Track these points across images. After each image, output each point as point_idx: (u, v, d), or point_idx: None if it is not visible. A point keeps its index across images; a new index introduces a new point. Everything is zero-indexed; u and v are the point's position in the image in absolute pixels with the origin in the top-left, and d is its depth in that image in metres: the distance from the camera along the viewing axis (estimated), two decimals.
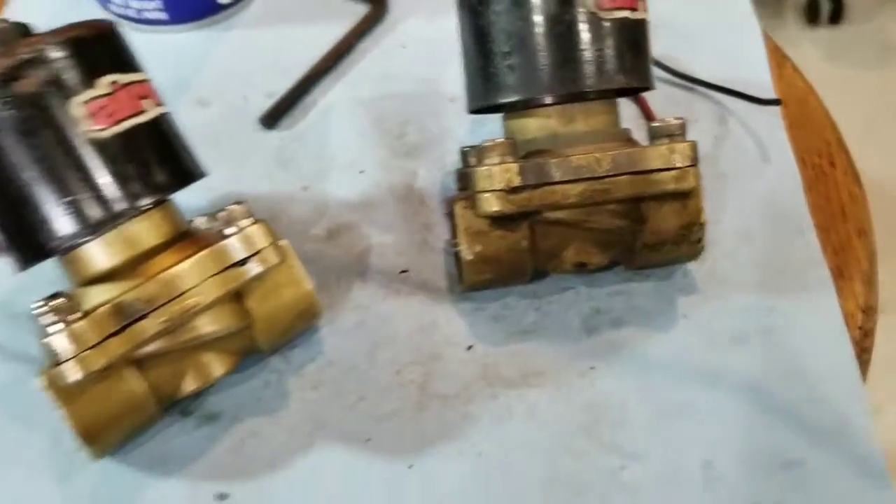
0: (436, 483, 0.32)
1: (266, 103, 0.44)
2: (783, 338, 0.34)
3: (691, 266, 0.37)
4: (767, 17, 1.55)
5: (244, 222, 0.31)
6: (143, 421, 0.32)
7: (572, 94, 0.33)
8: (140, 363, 0.31)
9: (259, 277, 0.31)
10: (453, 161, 0.41)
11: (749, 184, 0.40)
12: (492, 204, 0.32)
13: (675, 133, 0.33)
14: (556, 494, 0.31)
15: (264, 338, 0.33)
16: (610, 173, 0.32)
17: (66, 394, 0.29)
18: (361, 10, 0.49)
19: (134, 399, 0.31)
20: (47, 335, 0.28)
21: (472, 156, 0.36)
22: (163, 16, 0.48)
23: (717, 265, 0.37)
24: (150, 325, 0.29)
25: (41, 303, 0.29)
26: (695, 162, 0.32)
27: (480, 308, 0.36)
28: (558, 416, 0.33)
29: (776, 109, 0.42)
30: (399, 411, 0.33)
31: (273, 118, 0.44)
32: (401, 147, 0.42)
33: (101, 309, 0.29)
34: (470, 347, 0.35)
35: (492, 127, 0.37)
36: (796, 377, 0.33)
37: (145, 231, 0.31)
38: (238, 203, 0.31)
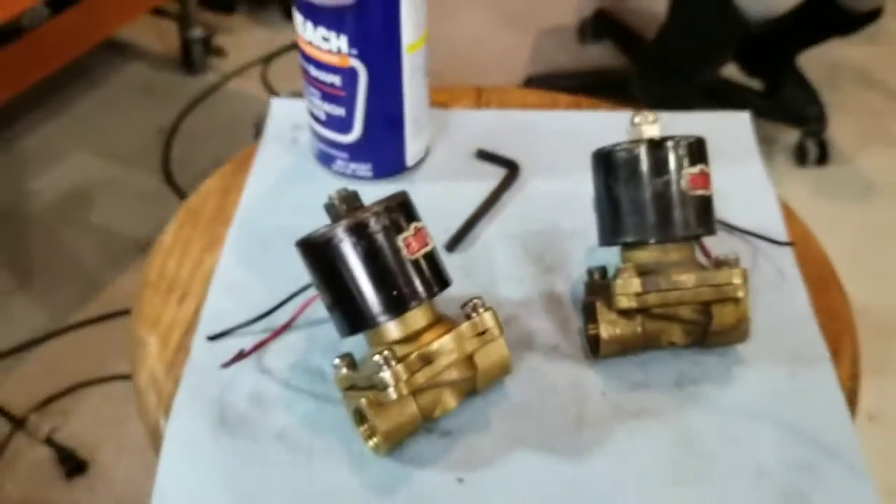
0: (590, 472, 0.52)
1: (443, 235, 0.66)
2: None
3: (739, 347, 0.58)
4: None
5: (481, 310, 0.52)
6: (411, 432, 0.52)
7: (669, 238, 0.55)
8: (414, 395, 0.51)
9: (490, 345, 0.52)
10: (578, 276, 0.62)
11: (770, 296, 0.61)
12: (625, 302, 0.53)
13: (732, 262, 0.54)
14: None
15: (481, 384, 0.54)
16: (695, 286, 0.54)
17: (379, 409, 0.50)
18: (501, 172, 0.72)
19: (412, 416, 0.51)
20: (381, 371, 0.49)
21: (594, 272, 0.58)
22: (369, 174, 0.70)
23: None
24: (430, 370, 0.50)
25: (378, 356, 0.49)
26: (745, 280, 0.54)
27: (608, 370, 0.57)
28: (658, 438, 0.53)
29: (789, 249, 0.64)
30: (565, 432, 0.54)
31: (454, 244, 0.65)
32: (542, 266, 0.64)
33: (411, 357, 0.49)
34: (604, 394, 0.56)
35: (600, 255, 0.59)
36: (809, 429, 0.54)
37: (421, 315, 0.52)
38: (476, 298, 0.52)
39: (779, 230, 0.66)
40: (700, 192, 0.54)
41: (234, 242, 0.66)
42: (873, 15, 1.59)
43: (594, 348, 0.57)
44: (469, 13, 2.18)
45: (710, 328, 0.55)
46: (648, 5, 1.96)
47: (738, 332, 0.55)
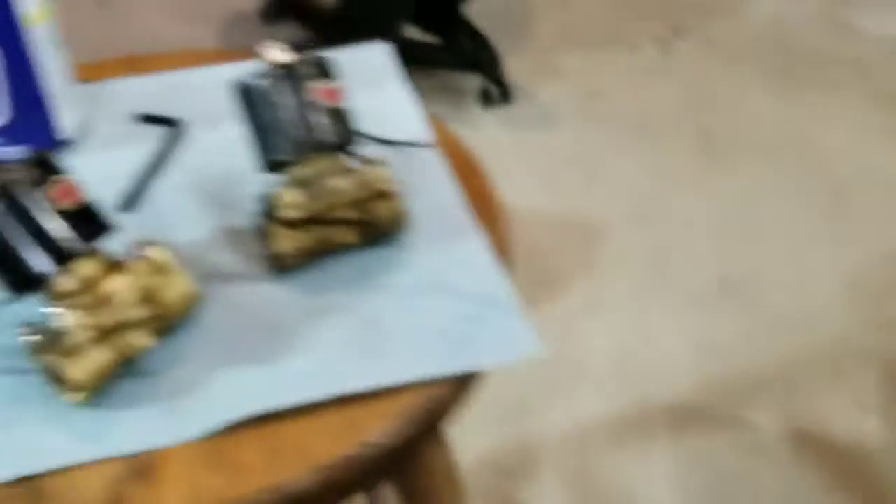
0: None
1: (119, 199, 0.67)
2: None
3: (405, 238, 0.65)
4: (451, 103, 1.95)
5: (148, 248, 0.55)
6: (109, 375, 0.53)
7: (311, 149, 0.60)
8: (104, 338, 0.52)
9: (169, 279, 0.55)
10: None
11: (424, 191, 0.68)
12: (291, 213, 0.59)
13: (379, 162, 0.61)
14: None
15: (172, 318, 0.56)
16: (351, 187, 0.60)
17: (68, 359, 0.51)
18: (166, 132, 0.74)
19: (103, 359, 0.53)
20: (61, 320, 0.50)
21: (268, 197, 0.63)
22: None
23: None
24: (113, 310, 0.52)
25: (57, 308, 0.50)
26: (391, 176, 0.60)
27: (296, 283, 0.62)
28: None
29: (437, 154, 0.72)
30: (259, 344, 0.58)
31: (129, 203, 0.67)
32: (218, 207, 0.67)
33: (88, 300, 0.51)
34: (295, 303, 0.60)
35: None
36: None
37: (91, 264, 0.53)
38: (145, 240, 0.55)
39: (426, 137, 0.74)
40: (331, 104, 0.60)
41: None
42: None
43: (277, 265, 0.62)
44: (144, 14, 2.14)
45: (373, 223, 0.61)
46: None
47: (398, 222, 0.62)
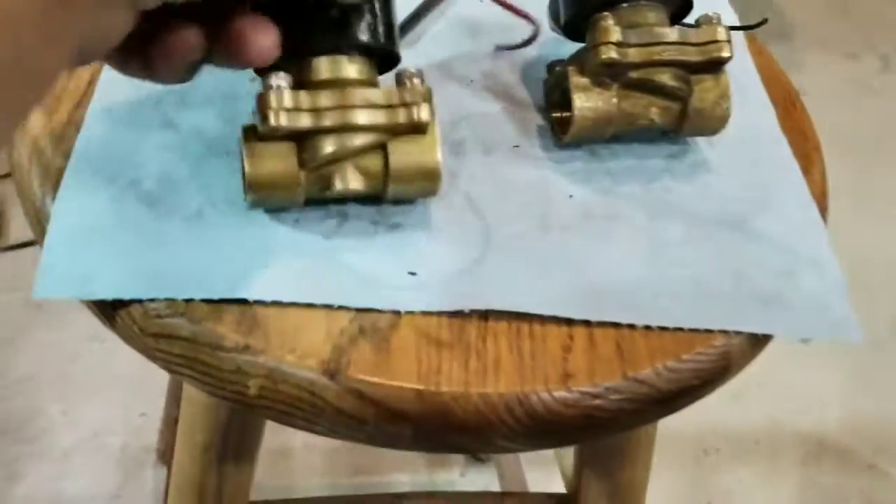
0: None
1: None
2: None
3: (711, 158, 0.54)
4: None
5: (416, 80, 0.43)
6: (290, 188, 0.43)
7: None
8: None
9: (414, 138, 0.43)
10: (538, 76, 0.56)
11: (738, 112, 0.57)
12: (605, 53, 0.47)
13: (715, 20, 0.49)
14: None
15: (395, 180, 0.44)
16: (678, 41, 0.48)
17: (255, 146, 0.42)
18: None
19: (288, 164, 0.43)
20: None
21: (559, 64, 0.52)
22: None
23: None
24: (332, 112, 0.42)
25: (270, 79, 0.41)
26: (730, 39, 0.49)
27: (575, 174, 0.52)
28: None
29: (755, 74, 0.60)
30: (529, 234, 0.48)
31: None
32: (497, 67, 0.57)
33: (308, 92, 0.42)
34: (571, 196, 0.50)
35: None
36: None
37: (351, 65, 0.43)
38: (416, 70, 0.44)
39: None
40: None
41: None
42: None
43: (563, 131, 0.52)
44: None
45: (690, 104, 0.50)
46: None
47: (718, 113, 0.50)
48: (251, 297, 0.42)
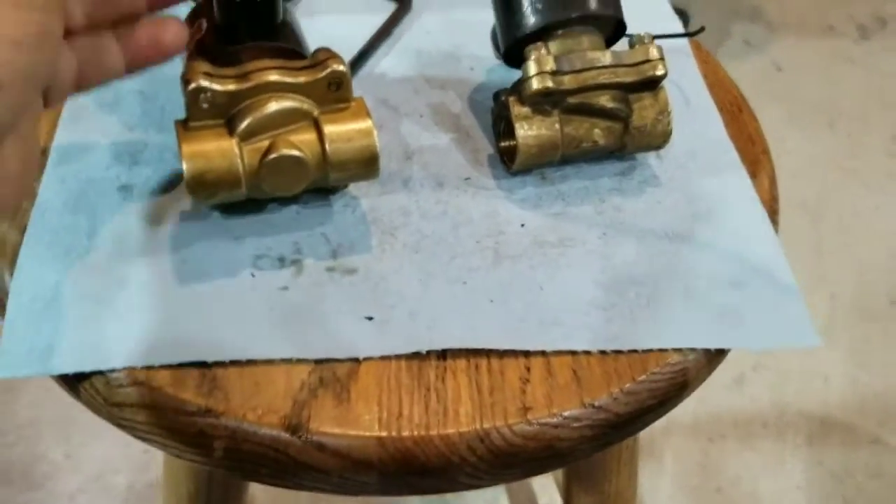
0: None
1: None
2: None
3: (658, 171, 0.54)
4: None
5: (331, 61, 0.46)
6: (224, 167, 0.44)
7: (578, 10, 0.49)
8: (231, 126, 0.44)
9: (346, 114, 0.46)
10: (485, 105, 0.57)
11: (683, 120, 0.57)
12: (539, 83, 0.48)
13: (646, 40, 0.50)
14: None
15: (334, 163, 0.46)
16: (612, 64, 0.49)
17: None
18: (390, 7, 0.64)
19: (219, 143, 0.45)
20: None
21: (501, 94, 0.53)
22: None
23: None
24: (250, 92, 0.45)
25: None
26: (663, 57, 0.49)
27: (525, 201, 0.52)
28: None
29: (698, 79, 0.60)
30: (483, 265, 0.49)
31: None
32: (446, 99, 0.58)
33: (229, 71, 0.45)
34: (523, 225, 0.51)
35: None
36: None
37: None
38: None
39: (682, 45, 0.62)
40: None
41: None
42: None
43: (511, 159, 0.52)
44: None
45: (631, 123, 0.50)
46: None
47: (659, 129, 0.51)
48: (209, 358, 0.43)
